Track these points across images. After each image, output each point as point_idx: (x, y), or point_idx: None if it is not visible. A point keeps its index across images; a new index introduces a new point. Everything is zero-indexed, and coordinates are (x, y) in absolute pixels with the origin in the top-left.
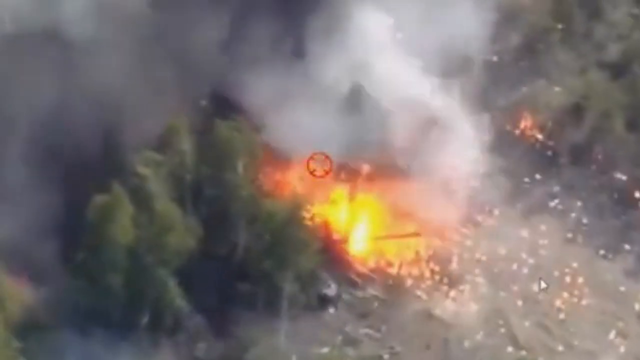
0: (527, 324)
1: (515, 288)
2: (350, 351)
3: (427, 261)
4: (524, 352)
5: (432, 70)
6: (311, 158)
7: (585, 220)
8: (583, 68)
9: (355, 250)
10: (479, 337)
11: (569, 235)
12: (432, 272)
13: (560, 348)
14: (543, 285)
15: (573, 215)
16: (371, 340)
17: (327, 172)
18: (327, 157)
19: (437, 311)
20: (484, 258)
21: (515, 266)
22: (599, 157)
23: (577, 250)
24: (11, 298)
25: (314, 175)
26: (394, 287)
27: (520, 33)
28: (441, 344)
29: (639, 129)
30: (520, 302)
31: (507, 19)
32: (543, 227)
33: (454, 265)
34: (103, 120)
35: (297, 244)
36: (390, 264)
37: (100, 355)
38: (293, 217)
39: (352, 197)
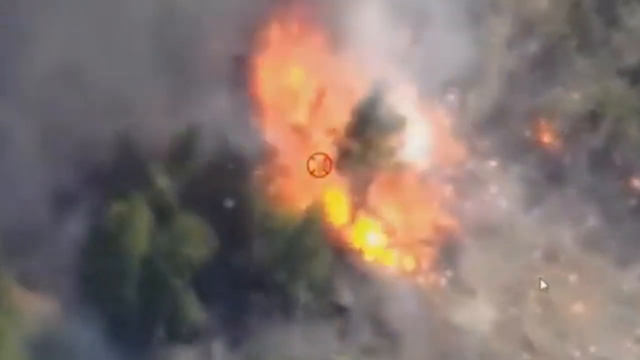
0: (543, 330)
1: (532, 294)
2: (362, 356)
3: (443, 268)
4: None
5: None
6: (311, 158)
7: (602, 227)
8: (600, 75)
9: (370, 257)
10: (496, 344)
11: (586, 241)
12: (448, 279)
13: (577, 354)
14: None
15: (590, 221)
16: (387, 350)
17: (327, 172)
18: (327, 157)
19: (454, 319)
20: (500, 264)
21: (531, 273)
22: (617, 163)
23: (594, 256)
24: (24, 309)
25: (314, 176)
26: (409, 294)
27: (537, 41)
28: (458, 352)
29: None
30: (537, 309)
31: (524, 27)
32: (560, 234)
33: (469, 272)
34: (121, 130)
35: (310, 253)
36: (404, 271)
37: None
38: (306, 227)
39: (363, 207)
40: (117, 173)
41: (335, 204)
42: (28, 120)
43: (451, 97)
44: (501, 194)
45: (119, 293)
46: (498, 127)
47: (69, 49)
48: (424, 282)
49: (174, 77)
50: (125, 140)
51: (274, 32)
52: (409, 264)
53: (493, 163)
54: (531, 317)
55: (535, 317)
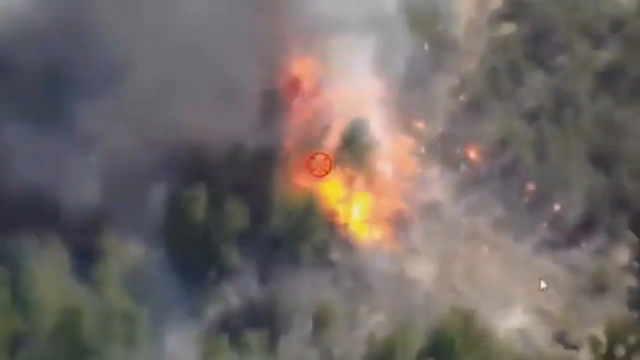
0: (465, 282)
1: (459, 258)
2: (346, 296)
3: (400, 238)
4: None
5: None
6: (311, 158)
7: (506, 216)
8: (508, 116)
9: (352, 230)
10: (433, 290)
11: (495, 225)
12: (403, 245)
13: (487, 296)
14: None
15: (498, 212)
16: (363, 293)
17: (327, 172)
18: (327, 157)
19: (407, 273)
20: (438, 237)
21: (458, 244)
22: (518, 174)
23: (500, 235)
24: (124, 255)
25: (314, 175)
26: (377, 255)
27: (468, 92)
28: (410, 295)
29: (545, 160)
30: (461, 269)
31: (460, 82)
32: (478, 219)
33: (417, 242)
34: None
35: (312, 226)
36: (374, 239)
37: (187, 296)
38: (309, 208)
39: (349, 195)
40: (189, 168)
41: (330, 192)
42: (140, 131)
43: (410, 125)
44: (440, 190)
45: (186, 246)
46: (441, 147)
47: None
48: (387, 247)
49: (228, 106)
50: (196, 148)
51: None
52: (377, 234)
53: (435, 170)
54: (457, 274)
55: (460, 273)
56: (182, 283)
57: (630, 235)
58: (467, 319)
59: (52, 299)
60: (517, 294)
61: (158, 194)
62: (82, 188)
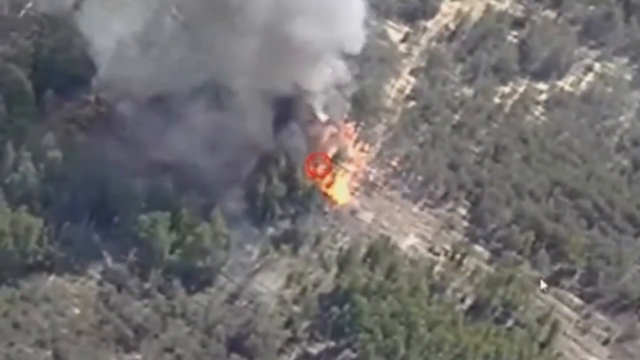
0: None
1: (413, 231)
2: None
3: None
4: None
5: None
6: (311, 157)
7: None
8: None
9: (332, 196)
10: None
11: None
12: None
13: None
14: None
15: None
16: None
17: (326, 172)
18: (326, 157)
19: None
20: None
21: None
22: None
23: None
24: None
25: (314, 175)
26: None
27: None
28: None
29: None
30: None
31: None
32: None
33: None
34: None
35: (311, 190)
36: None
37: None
38: (312, 189)
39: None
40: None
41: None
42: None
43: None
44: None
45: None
46: (389, 158)
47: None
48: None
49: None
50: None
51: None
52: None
53: (387, 171)
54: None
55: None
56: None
57: None
58: (386, 240)
59: None
60: (412, 230)
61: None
62: None
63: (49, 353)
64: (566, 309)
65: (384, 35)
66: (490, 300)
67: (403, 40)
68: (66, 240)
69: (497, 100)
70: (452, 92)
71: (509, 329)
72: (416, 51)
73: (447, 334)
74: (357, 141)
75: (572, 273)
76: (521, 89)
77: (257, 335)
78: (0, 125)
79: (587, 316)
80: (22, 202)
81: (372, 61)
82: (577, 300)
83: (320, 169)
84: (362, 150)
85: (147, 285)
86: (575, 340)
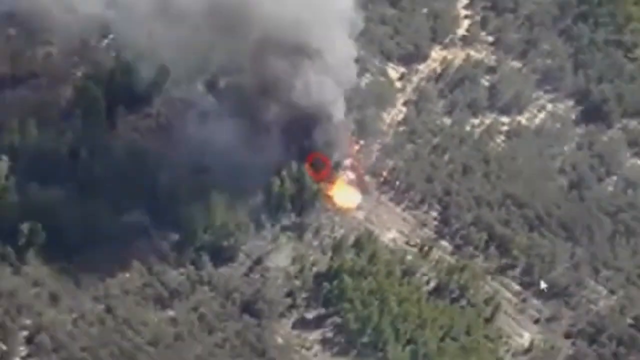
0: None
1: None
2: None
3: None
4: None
5: None
6: (311, 157)
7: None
8: None
9: (332, 196)
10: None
11: None
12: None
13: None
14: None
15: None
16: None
17: (326, 172)
18: (326, 159)
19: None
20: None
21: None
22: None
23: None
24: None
25: (314, 176)
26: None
27: None
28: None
29: None
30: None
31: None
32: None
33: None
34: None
35: (316, 192)
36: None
37: None
38: (318, 190)
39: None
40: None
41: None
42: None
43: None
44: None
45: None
46: (381, 169)
47: None
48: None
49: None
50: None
51: None
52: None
53: (379, 179)
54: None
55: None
56: None
57: None
58: (370, 233)
59: None
60: (394, 226)
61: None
62: None
63: (102, 307)
64: (508, 294)
65: (384, 74)
66: (448, 284)
67: (399, 79)
68: (125, 222)
69: (468, 128)
70: (434, 121)
71: (462, 307)
72: (409, 88)
73: (412, 309)
74: (357, 154)
75: (514, 266)
76: (488, 121)
77: (264, 302)
78: (76, 135)
79: (524, 300)
80: (94, 194)
81: (373, 93)
82: (517, 287)
83: (320, 169)
84: (359, 161)
85: (182, 259)
86: (513, 319)
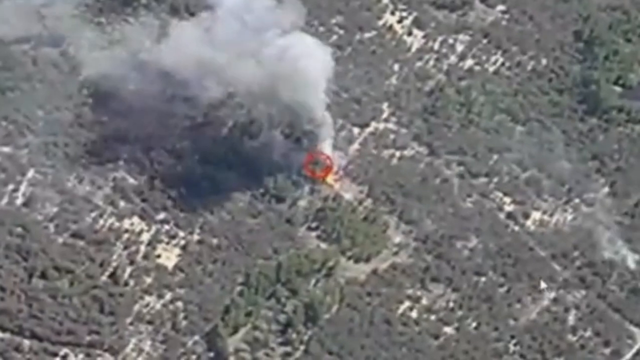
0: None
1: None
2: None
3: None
4: None
5: None
6: (311, 157)
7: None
8: None
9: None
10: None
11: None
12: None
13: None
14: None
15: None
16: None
17: (326, 172)
18: (327, 157)
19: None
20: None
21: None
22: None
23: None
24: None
25: (314, 175)
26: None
27: None
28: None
29: None
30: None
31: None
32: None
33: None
34: None
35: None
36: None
37: None
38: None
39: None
40: None
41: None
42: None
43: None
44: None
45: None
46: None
47: None
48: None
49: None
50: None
51: None
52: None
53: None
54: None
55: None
56: None
57: None
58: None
59: None
60: None
61: None
62: None
63: None
64: None
65: None
66: None
67: None
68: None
69: None
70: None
71: None
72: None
73: None
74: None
75: None
76: None
77: None
78: None
79: None
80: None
81: None
82: None
83: (320, 169)
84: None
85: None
86: None
